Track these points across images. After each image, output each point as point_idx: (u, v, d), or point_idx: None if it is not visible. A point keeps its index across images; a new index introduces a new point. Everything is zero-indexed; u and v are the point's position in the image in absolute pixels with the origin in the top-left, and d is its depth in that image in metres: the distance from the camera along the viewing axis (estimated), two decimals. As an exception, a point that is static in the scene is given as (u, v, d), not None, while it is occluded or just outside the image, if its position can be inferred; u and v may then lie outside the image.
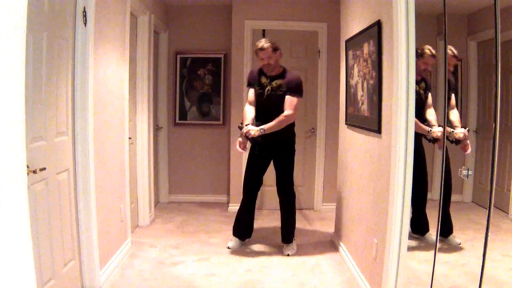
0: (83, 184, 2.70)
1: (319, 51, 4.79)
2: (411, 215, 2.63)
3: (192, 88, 5.17)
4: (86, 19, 2.62)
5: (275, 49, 3.53)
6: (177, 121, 5.20)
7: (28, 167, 1.94)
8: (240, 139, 3.55)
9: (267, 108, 3.56)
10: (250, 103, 3.64)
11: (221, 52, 5.11)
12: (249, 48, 4.73)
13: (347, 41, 3.52)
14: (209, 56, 5.13)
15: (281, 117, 3.47)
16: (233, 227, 3.77)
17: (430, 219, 2.80)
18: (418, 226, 2.82)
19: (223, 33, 5.07)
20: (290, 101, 3.50)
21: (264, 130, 3.43)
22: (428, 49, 2.69)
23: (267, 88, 3.57)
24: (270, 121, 3.48)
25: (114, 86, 3.20)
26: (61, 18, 2.44)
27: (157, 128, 4.96)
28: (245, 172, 3.74)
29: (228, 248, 3.64)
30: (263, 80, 3.61)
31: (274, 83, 3.56)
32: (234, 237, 3.73)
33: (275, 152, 3.64)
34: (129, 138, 3.63)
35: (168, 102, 5.15)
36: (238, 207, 3.80)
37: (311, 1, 4.72)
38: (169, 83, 5.14)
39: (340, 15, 3.87)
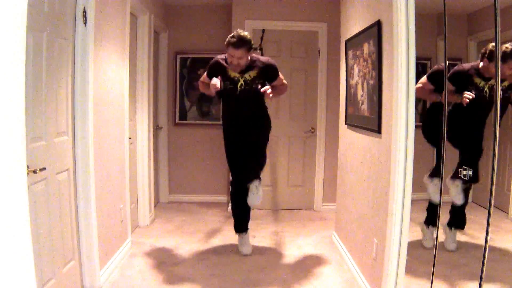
0: (83, 184, 2.70)
1: (319, 51, 4.79)
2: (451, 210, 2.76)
3: (192, 88, 5.17)
4: (86, 19, 2.62)
5: (250, 48, 3.12)
6: (177, 121, 5.20)
7: (28, 167, 1.94)
8: (215, 82, 3.19)
9: (241, 104, 3.31)
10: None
11: (221, 52, 5.10)
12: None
13: (347, 41, 3.52)
14: (209, 56, 5.07)
15: (285, 85, 3.46)
16: (235, 225, 3.64)
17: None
18: (458, 221, 2.85)
19: (223, 33, 5.04)
20: (280, 78, 3.39)
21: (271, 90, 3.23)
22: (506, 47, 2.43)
23: (239, 83, 3.25)
24: (244, 119, 3.35)
25: (114, 86, 3.20)
26: (61, 18, 2.44)
27: (157, 128, 4.96)
28: (229, 167, 3.56)
29: (245, 255, 3.51)
30: (233, 74, 3.25)
31: (247, 76, 3.24)
32: (240, 234, 3.57)
33: (251, 130, 3.44)
34: (129, 138, 3.63)
35: (168, 102, 5.15)
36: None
37: (311, 1, 4.72)
38: (169, 83, 5.14)
39: (340, 15, 3.87)
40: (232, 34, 3.14)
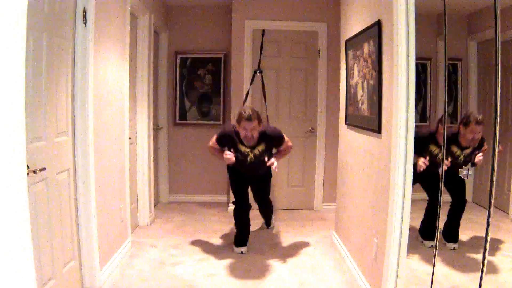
0: (83, 184, 2.70)
1: (319, 51, 4.79)
2: (445, 222, 2.77)
3: (192, 88, 5.17)
4: (86, 19, 2.62)
5: (260, 119, 3.34)
6: (177, 121, 5.20)
7: (28, 167, 1.94)
8: (230, 156, 3.42)
9: (249, 169, 3.59)
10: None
11: (221, 52, 5.11)
12: (249, 48, 4.74)
13: (347, 41, 3.52)
14: (209, 56, 5.12)
15: (289, 147, 3.65)
16: (236, 240, 3.65)
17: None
18: (452, 235, 2.84)
19: (223, 33, 5.07)
20: (286, 143, 3.58)
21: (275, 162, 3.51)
22: (474, 117, 2.63)
23: (249, 157, 3.48)
24: (252, 176, 3.70)
25: (114, 86, 3.20)
26: (61, 18, 2.44)
27: (157, 128, 4.96)
28: (234, 195, 3.75)
29: (242, 253, 3.57)
30: (243, 148, 3.46)
31: (256, 151, 3.47)
32: (240, 248, 3.61)
33: (254, 181, 3.80)
34: (129, 138, 3.63)
35: (168, 102, 5.15)
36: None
37: (311, 1, 4.72)
38: (169, 83, 5.14)
39: (340, 15, 3.87)
40: (241, 110, 3.35)
